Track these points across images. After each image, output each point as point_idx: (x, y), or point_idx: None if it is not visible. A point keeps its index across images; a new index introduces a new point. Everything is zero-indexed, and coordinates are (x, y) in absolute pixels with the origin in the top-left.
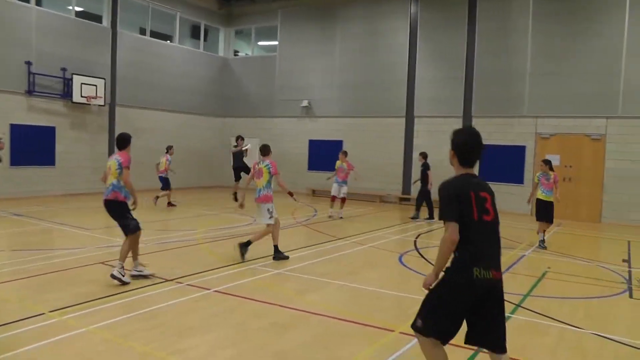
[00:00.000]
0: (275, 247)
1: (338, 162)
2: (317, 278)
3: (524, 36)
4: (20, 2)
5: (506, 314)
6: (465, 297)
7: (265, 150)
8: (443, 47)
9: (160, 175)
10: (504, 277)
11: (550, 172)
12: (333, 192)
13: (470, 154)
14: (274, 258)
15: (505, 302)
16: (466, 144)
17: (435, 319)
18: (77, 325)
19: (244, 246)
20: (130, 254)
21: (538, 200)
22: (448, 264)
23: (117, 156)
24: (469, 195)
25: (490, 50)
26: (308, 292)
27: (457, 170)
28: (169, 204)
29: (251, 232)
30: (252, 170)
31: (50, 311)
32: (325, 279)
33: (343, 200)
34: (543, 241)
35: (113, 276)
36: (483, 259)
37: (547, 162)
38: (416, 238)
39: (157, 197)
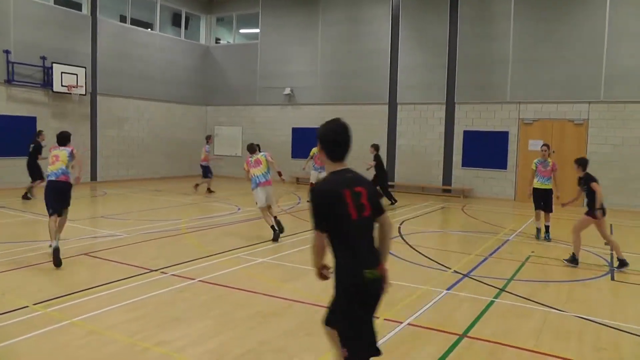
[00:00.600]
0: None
1: (315, 149)
2: (302, 266)
3: (506, 22)
4: None
5: (491, 298)
6: (355, 299)
7: (252, 149)
8: (425, 34)
9: (201, 163)
10: (489, 261)
11: (549, 159)
12: (312, 180)
13: (339, 148)
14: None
15: (490, 287)
16: (334, 138)
17: (354, 342)
18: (61, 318)
19: (278, 225)
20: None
21: (535, 189)
22: (334, 275)
23: (67, 148)
24: (342, 194)
25: (472, 37)
26: (292, 280)
27: (328, 166)
28: (209, 190)
29: (232, 221)
30: (246, 165)
31: (34, 304)
32: (309, 267)
33: None
34: (546, 232)
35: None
36: (368, 258)
37: (548, 147)
38: (400, 225)
39: (197, 185)
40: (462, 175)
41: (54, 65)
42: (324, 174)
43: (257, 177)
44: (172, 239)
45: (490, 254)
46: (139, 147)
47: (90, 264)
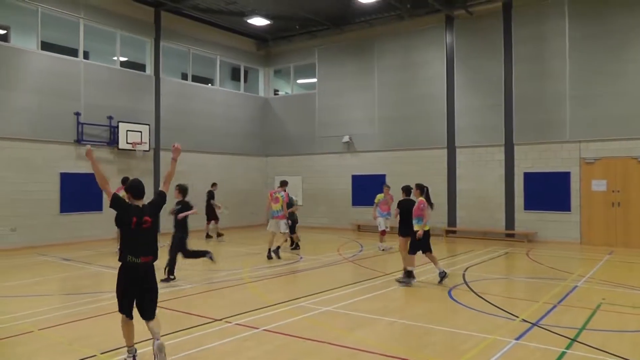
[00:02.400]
0: (278, 247)
1: (380, 196)
2: (366, 315)
3: (561, 59)
4: (69, 57)
5: (562, 349)
6: (125, 275)
7: (283, 184)
8: (480, 75)
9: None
10: (558, 309)
11: (418, 198)
12: (381, 227)
13: (139, 193)
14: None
15: (561, 337)
16: (137, 187)
17: (118, 300)
18: None
19: (275, 252)
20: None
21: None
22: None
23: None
24: (132, 217)
25: (528, 75)
26: (357, 329)
27: (133, 202)
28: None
29: (295, 269)
30: (269, 196)
31: (101, 353)
32: (374, 316)
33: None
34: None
35: None
36: (135, 250)
37: (418, 187)
38: (464, 271)
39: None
40: (525, 219)
41: (120, 124)
42: (389, 220)
43: (274, 211)
44: (236, 288)
45: (559, 302)
46: (201, 198)
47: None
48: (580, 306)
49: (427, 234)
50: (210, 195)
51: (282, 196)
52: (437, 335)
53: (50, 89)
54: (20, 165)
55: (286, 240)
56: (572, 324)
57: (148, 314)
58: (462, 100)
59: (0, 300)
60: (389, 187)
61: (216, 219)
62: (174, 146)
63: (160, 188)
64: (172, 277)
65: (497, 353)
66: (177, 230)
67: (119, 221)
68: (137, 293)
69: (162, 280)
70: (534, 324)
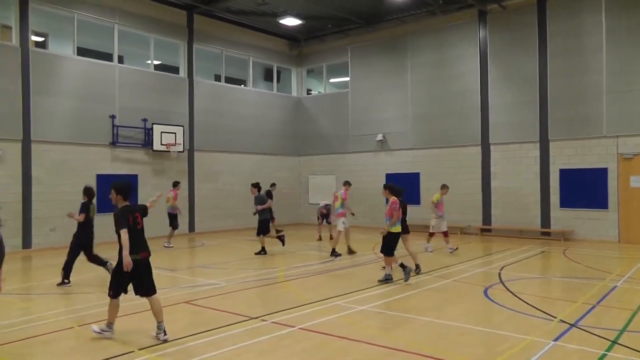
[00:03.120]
0: (333, 249)
1: (438, 195)
2: (402, 314)
3: (598, 53)
4: (104, 62)
5: (602, 352)
6: (134, 268)
7: (345, 183)
8: (515, 70)
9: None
10: (597, 310)
11: (391, 197)
12: (443, 228)
13: (126, 195)
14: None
15: (601, 339)
16: (128, 188)
17: (115, 286)
18: None
19: (333, 253)
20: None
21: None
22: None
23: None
24: (128, 216)
25: (563, 70)
26: (393, 328)
27: (122, 203)
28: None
29: (330, 268)
30: (333, 195)
31: (139, 349)
32: (410, 315)
33: (445, 233)
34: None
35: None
36: (137, 247)
37: (387, 187)
38: (500, 270)
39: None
40: (561, 217)
41: (154, 126)
42: (444, 223)
43: (336, 209)
44: (271, 287)
45: (598, 302)
46: (235, 198)
47: (190, 312)
48: (620, 307)
49: (397, 235)
50: (270, 196)
51: (340, 194)
52: (473, 336)
53: (87, 93)
54: (59, 168)
55: (320, 239)
56: (612, 326)
57: (150, 291)
58: (496, 97)
59: (41, 297)
60: (447, 187)
61: (272, 219)
62: (152, 201)
63: (148, 205)
64: (66, 281)
65: (535, 354)
66: (78, 230)
67: (126, 221)
68: (134, 281)
69: (57, 285)
70: (572, 325)
